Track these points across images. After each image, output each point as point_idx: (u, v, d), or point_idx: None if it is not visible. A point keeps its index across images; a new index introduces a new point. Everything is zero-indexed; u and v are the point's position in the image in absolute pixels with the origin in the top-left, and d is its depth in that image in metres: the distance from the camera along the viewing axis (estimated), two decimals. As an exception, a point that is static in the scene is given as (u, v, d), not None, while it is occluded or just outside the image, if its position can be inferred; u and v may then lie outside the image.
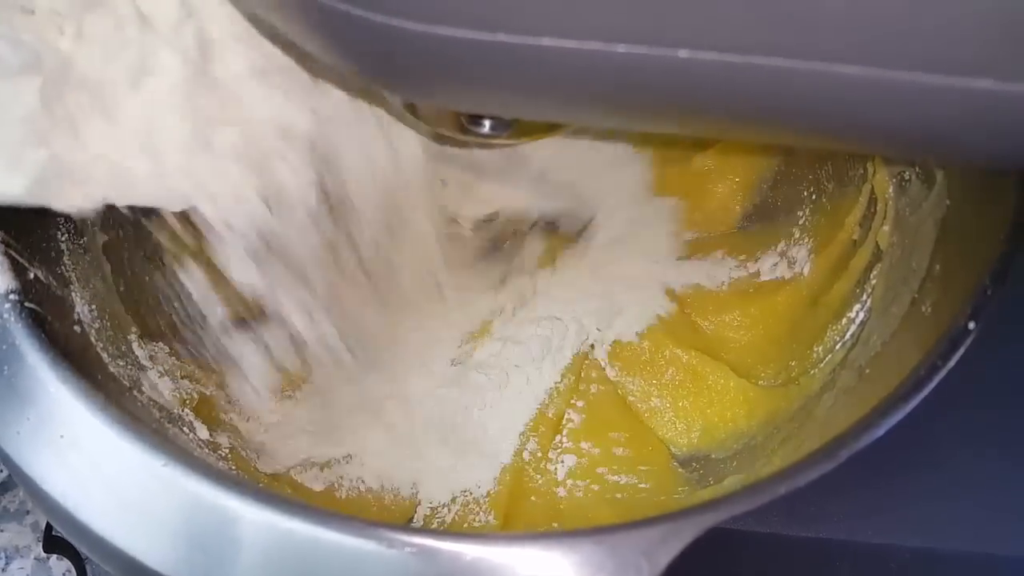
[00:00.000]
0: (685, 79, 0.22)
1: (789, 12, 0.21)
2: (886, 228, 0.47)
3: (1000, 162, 0.29)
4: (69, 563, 0.51)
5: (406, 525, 0.30)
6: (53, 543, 0.49)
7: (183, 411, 0.44)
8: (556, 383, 0.51)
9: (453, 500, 0.47)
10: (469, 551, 0.30)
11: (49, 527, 0.50)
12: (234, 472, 0.40)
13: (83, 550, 0.32)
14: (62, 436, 0.31)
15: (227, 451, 0.45)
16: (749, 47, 0.22)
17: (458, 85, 0.25)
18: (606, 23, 0.21)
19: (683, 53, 0.22)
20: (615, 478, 0.49)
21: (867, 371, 0.40)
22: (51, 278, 0.38)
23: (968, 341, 0.34)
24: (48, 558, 0.53)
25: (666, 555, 0.30)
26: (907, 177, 0.47)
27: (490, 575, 0.29)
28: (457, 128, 0.34)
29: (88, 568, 0.49)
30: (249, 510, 0.30)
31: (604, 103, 0.25)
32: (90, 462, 0.31)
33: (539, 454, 0.49)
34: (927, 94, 0.23)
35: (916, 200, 0.45)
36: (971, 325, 0.34)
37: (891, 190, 0.48)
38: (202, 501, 0.30)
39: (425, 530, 0.30)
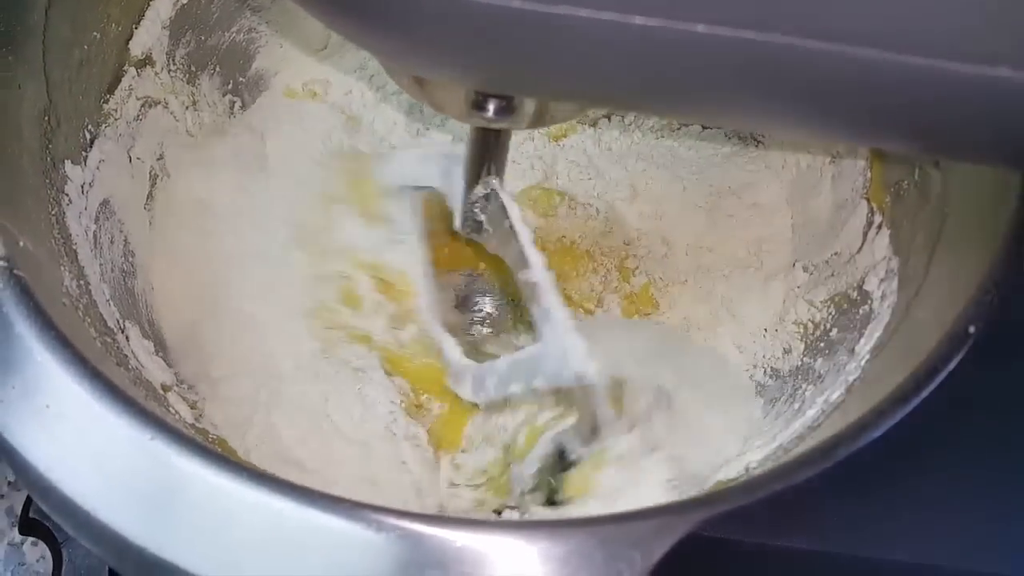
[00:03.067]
0: (701, 55, 0.22)
1: (808, -9, 0.21)
2: (882, 237, 0.47)
3: (1017, 159, 0.28)
4: (44, 548, 0.50)
5: (395, 508, 0.30)
6: (30, 526, 0.48)
7: (169, 394, 0.43)
8: None
9: None
10: (458, 538, 0.29)
11: (25, 510, 0.49)
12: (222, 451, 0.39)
13: (64, 525, 0.31)
14: (48, 406, 0.31)
15: (215, 438, 0.44)
16: (768, 24, 0.22)
17: (466, 56, 0.25)
18: (624, -7, 0.21)
19: (701, 28, 0.21)
20: None
21: (864, 375, 0.40)
22: (41, 250, 0.37)
23: (967, 345, 0.34)
24: (23, 543, 0.52)
25: (659, 548, 0.30)
26: (905, 186, 0.47)
27: (479, 562, 0.29)
28: (461, 112, 0.34)
29: (64, 553, 0.48)
30: (239, 489, 0.29)
31: (618, 81, 0.25)
32: (76, 433, 0.30)
33: None
34: (944, 81, 0.23)
35: (913, 209, 0.45)
36: (971, 329, 0.34)
37: (888, 199, 0.48)
38: (190, 477, 0.30)
39: (413, 514, 0.30)
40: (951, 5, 0.21)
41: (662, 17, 0.21)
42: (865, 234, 0.49)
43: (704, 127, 0.58)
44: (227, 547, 0.29)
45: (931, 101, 0.23)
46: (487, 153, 0.42)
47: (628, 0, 0.21)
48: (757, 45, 0.22)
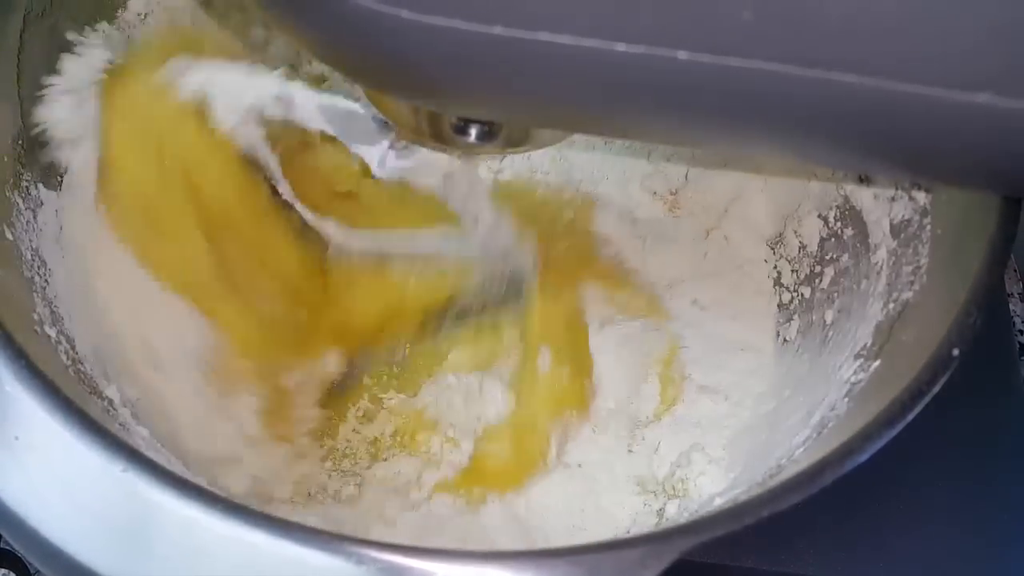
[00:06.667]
0: (684, 82, 0.22)
1: (789, 17, 0.21)
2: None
3: (998, 183, 0.28)
4: (15, 578, 0.48)
5: (375, 540, 0.29)
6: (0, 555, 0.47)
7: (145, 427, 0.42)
8: None
9: None
10: (440, 569, 0.29)
11: (-3, 537, 0.48)
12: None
13: (33, 560, 0.30)
14: (17, 437, 0.30)
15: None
16: (748, 51, 0.21)
17: (450, 83, 0.24)
18: (605, 20, 0.21)
19: (683, 55, 0.21)
20: None
21: (847, 399, 0.40)
22: (12, 276, 0.36)
23: (952, 368, 0.34)
24: (-8, 574, 0.51)
25: (647, 577, 0.29)
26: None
27: (463, 595, 0.29)
28: (443, 137, 0.33)
29: (36, 584, 0.47)
30: (213, 521, 0.29)
31: (601, 107, 0.25)
32: (46, 465, 0.29)
33: None
34: (925, 107, 0.22)
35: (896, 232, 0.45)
36: (955, 352, 0.34)
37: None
38: (164, 509, 0.29)
39: (395, 546, 0.29)
40: (932, 32, 0.21)
41: (644, 44, 0.21)
42: (847, 258, 0.49)
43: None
44: (202, 581, 0.28)
45: (912, 127, 0.23)
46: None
47: (610, 27, 0.21)
48: (739, 72, 0.22)
